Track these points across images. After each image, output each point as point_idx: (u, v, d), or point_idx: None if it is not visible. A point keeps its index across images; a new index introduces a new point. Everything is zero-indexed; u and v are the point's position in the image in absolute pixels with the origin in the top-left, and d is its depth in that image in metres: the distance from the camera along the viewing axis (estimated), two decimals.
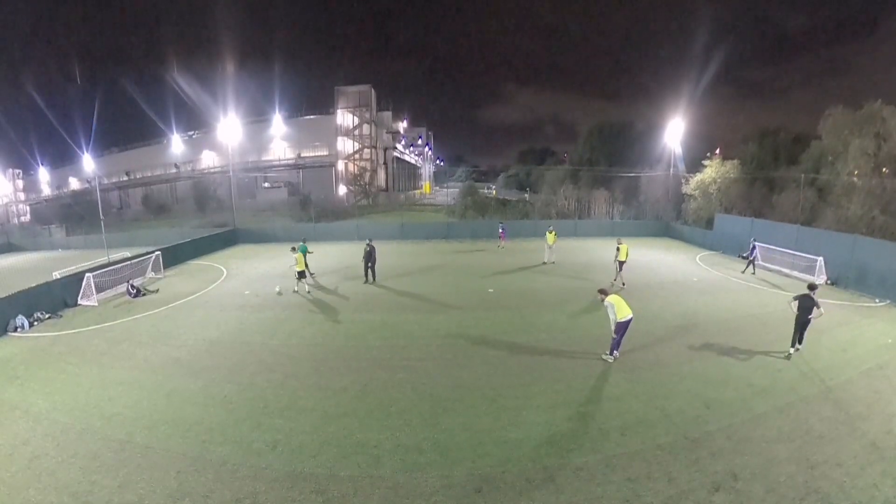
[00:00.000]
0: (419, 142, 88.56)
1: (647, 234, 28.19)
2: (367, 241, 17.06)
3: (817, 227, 20.94)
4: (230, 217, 32.86)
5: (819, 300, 9.17)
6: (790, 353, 9.44)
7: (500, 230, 24.80)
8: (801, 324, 9.33)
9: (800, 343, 9.51)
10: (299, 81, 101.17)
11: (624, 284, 15.25)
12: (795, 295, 9.49)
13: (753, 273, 17.29)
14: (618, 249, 15.33)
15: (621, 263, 15.42)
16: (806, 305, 9.18)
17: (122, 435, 6.87)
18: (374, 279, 16.70)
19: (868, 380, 8.37)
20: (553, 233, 19.94)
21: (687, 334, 10.84)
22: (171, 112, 57.95)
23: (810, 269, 16.27)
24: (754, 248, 17.48)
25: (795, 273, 16.87)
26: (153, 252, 18.82)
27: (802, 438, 6.53)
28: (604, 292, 9.30)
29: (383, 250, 22.09)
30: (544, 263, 19.49)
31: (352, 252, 23.41)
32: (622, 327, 8.99)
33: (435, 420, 7.16)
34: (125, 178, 60.63)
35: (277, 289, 15.20)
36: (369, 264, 16.66)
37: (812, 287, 9.47)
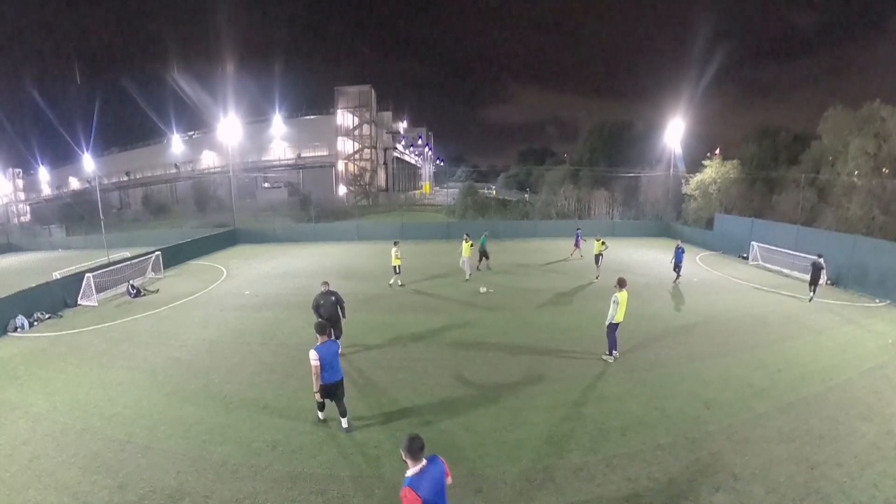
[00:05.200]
0: (419, 142, 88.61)
1: (647, 235, 28.19)
2: (323, 284, 9.45)
3: (817, 228, 20.95)
4: (230, 217, 32.87)
5: (818, 293, 13.50)
6: (811, 297, 13.49)
7: (577, 236, 20.83)
8: (815, 279, 13.28)
9: (813, 292, 13.46)
10: (299, 81, 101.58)
11: (597, 277, 16.50)
12: (811, 262, 13.53)
13: (676, 280, 15.82)
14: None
15: (597, 257, 16.84)
16: (818, 267, 13.17)
17: (122, 435, 6.86)
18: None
19: (868, 380, 8.37)
20: (469, 242, 16.05)
21: (687, 334, 10.85)
22: (171, 112, 58.25)
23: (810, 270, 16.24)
24: (681, 251, 15.72)
25: (795, 273, 16.87)
26: (153, 252, 18.82)
27: (802, 438, 6.52)
28: (622, 284, 8.95)
29: (383, 250, 22.01)
30: (466, 280, 16.16)
31: (353, 253, 23.51)
32: (613, 328, 9.03)
33: (435, 420, 7.16)
34: (125, 178, 60.69)
35: (483, 289, 14.82)
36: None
37: (819, 255, 13.53)
